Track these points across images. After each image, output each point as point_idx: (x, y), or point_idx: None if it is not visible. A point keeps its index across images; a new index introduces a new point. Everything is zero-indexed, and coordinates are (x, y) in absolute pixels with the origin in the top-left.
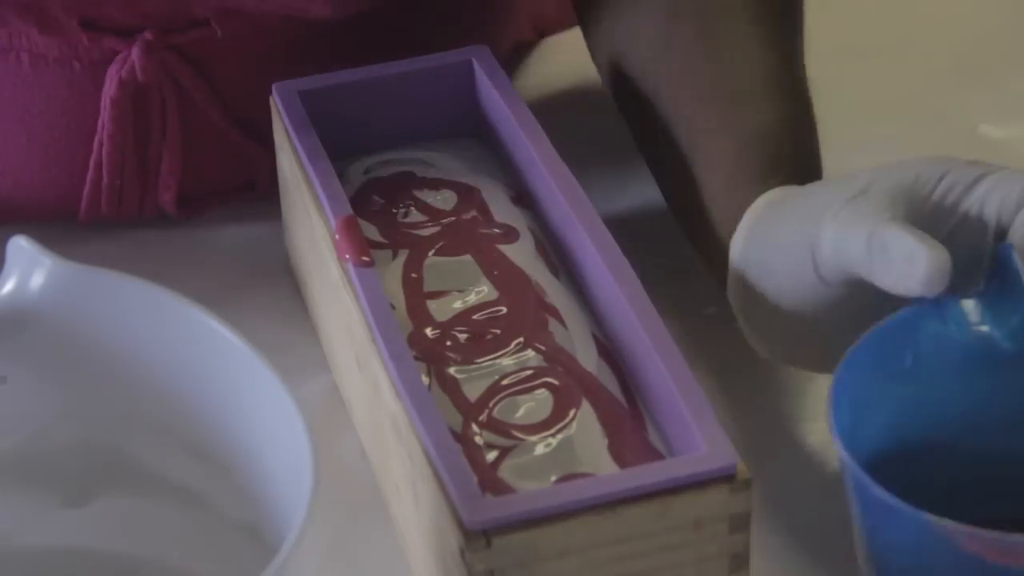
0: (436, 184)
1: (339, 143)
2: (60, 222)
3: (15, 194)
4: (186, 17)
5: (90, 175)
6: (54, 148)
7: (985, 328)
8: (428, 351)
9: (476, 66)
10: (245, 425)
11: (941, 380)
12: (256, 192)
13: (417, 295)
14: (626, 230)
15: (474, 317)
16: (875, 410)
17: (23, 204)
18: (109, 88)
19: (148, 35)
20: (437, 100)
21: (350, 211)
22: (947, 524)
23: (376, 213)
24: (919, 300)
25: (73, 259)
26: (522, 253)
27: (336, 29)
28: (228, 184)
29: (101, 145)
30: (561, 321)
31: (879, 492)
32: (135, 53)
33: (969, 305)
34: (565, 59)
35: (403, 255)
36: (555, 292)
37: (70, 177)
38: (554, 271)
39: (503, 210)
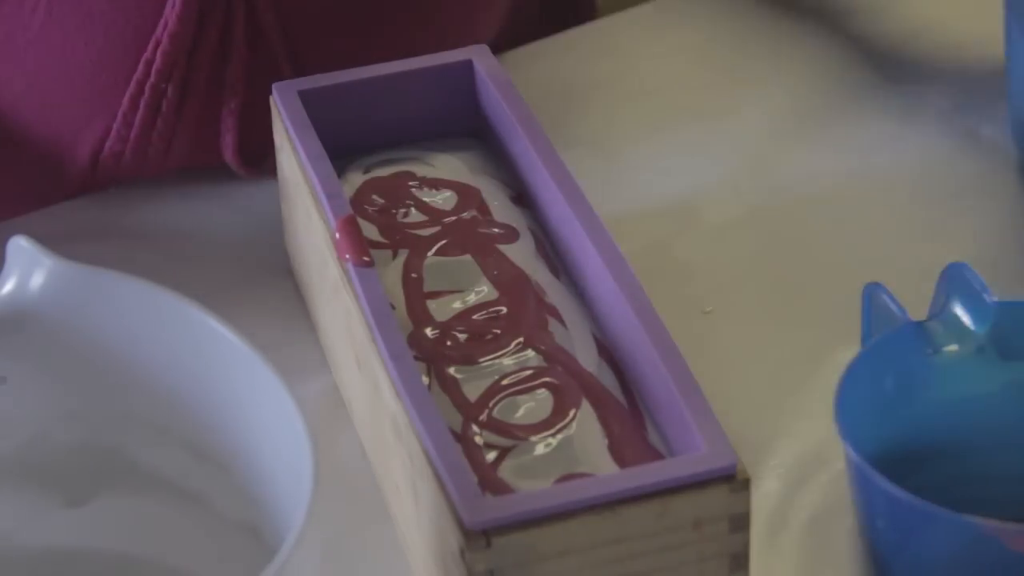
0: (436, 184)
1: (339, 143)
2: (60, 222)
3: (62, 100)
4: None
5: (137, 75)
6: (109, 50)
7: (955, 347)
8: (428, 351)
9: (476, 66)
10: (245, 425)
11: (923, 401)
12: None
13: (417, 295)
14: (626, 230)
15: (474, 317)
16: (866, 426)
17: (66, 109)
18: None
19: None
20: (437, 100)
21: (350, 211)
22: (995, 524)
23: (376, 213)
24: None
25: (73, 259)
26: (522, 253)
27: None
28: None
29: (159, 45)
30: (561, 321)
31: (915, 501)
32: None
33: (935, 326)
34: (565, 59)
35: (403, 255)
36: (555, 292)
37: (118, 84)
38: (554, 271)
39: (503, 210)
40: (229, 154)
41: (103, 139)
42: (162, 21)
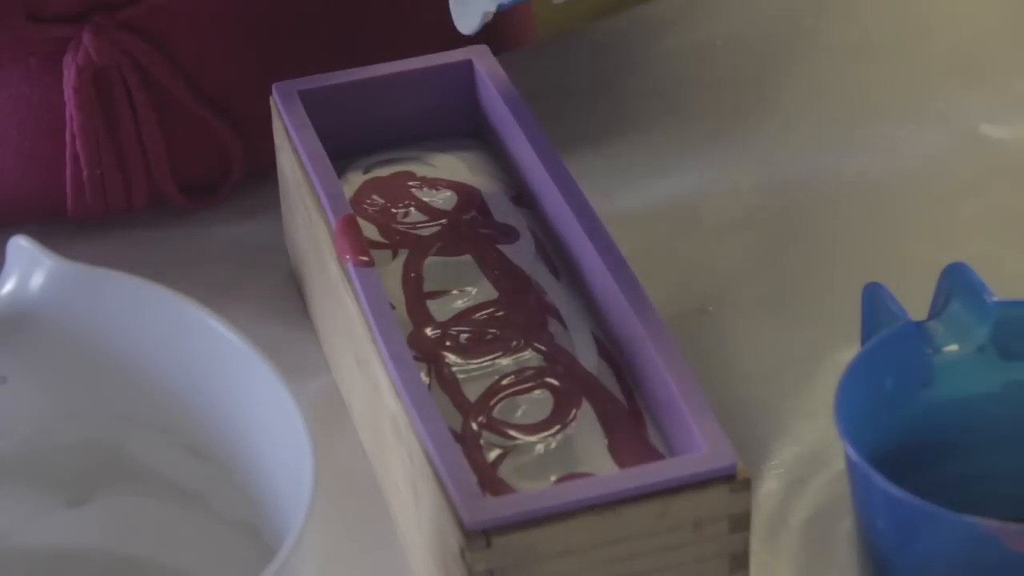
0: (436, 184)
1: (339, 143)
2: (60, 222)
3: (2, 199)
4: None
5: (69, 169)
6: (28, 148)
7: (955, 347)
8: (428, 351)
9: (476, 66)
10: (245, 425)
11: (923, 401)
12: (231, 180)
13: (417, 295)
14: (626, 230)
15: (474, 317)
16: (866, 426)
17: (12, 207)
18: (69, 77)
19: (96, 16)
20: (437, 100)
21: (350, 211)
22: (995, 524)
23: (376, 213)
24: (890, 327)
25: (73, 259)
26: (522, 253)
27: None
28: (213, 175)
29: (74, 137)
30: (561, 321)
31: (915, 501)
32: (86, 37)
33: (935, 326)
34: (565, 59)
35: (403, 255)
36: (555, 292)
37: (50, 174)
38: (554, 271)
39: (503, 210)
40: (176, 198)
41: (64, 212)
42: (67, 114)
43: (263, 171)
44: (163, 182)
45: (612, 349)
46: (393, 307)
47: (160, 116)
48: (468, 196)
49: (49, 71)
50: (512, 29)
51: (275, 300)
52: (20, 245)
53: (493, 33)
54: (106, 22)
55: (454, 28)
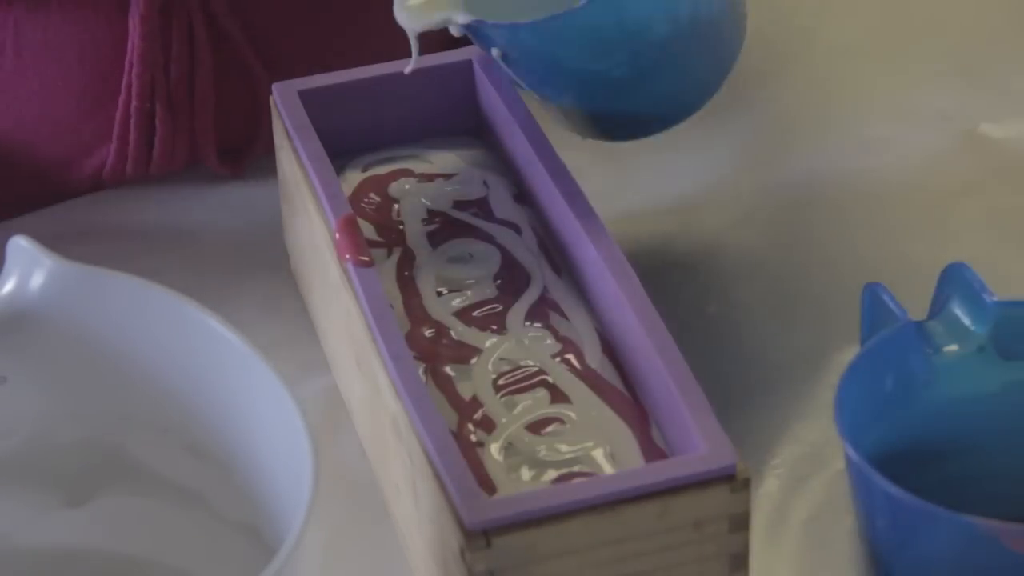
0: (435, 180)
1: (339, 143)
2: (59, 222)
3: (53, 136)
4: None
5: (122, 98)
6: (87, 78)
7: (955, 347)
8: (424, 349)
9: (476, 66)
10: (245, 425)
11: (923, 401)
12: (259, 150)
13: (413, 293)
14: (626, 230)
15: (473, 315)
16: (866, 426)
17: (57, 143)
18: (137, 6)
19: None
20: (437, 100)
21: (350, 211)
22: (995, 524)
23: (373, 211)
24: (890, 327)
25: (73, 259)
26: (524, 249)
27: None
28: (249, 133)
29: (131, 67)
30: (564, 316)
31: (915, 501)
32: None
33: (935, 326)
34: None
35: (398, 252)
36: (558, 288)
37: (104, 110)
38: (556, 268)
39: (504, 206)
40: (211, 159)
41: (102, 163)
42: (128, 44)
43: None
44: (203, 134)
45: (613, 348)
46: (391, 306)
47: (217, 70)
48: (468, 192)
49: (118, 4)
50: None
51: (275, 300)
52: (20, 245)
53: None
54: None
55: None
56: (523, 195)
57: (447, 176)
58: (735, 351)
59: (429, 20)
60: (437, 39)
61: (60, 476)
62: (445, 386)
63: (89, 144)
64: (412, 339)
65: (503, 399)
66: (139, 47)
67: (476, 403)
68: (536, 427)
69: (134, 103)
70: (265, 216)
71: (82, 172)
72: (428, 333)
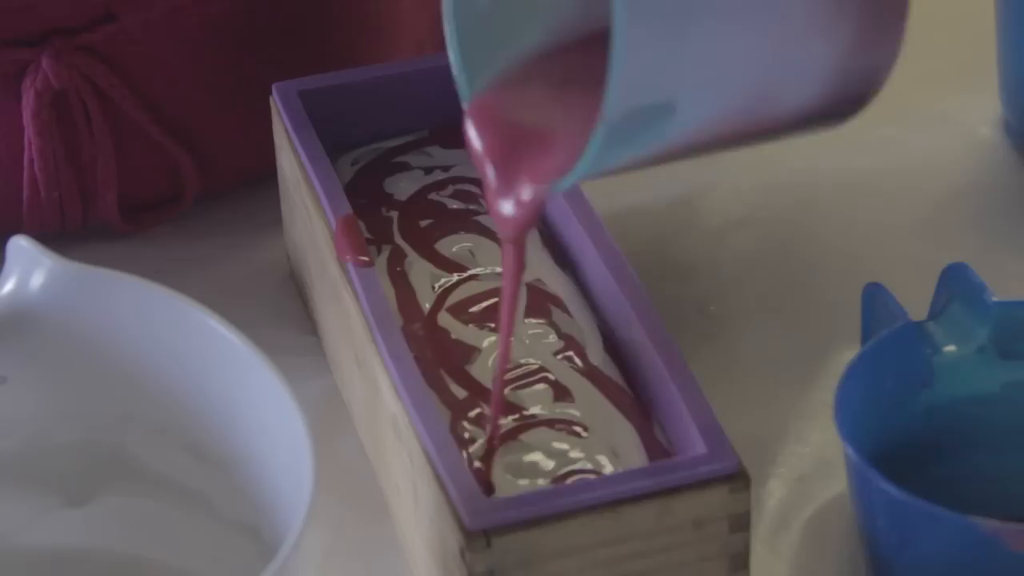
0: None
1: (339, 143)
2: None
3: None
4: (88, 13)
5: (26, 193)
6: None
7: (955, 347)
8: (418, 347)
9: None
10: (245, 425)
11: (923, 401)
12: (182, 206)
13: (407, 289)
14: (626, 230)
15: (470, 311)
16: (866, 426)
17: None
18: (28, 101)
19: (55, 40)
20: (437, 100)
21: (350, 211)
22: (995, 524)
23: (365, 206)
24: (890, 327)
25: (73, 259)
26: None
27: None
28: (166, 195)
29: (32, 161)
30: (566, 311)
31: (915, 501)
32: (45, 61)
33: (935, 326)
34: None
35: (388, 248)
36: (561, 283)
37: (8, 199)
38: (559, 264)
39: None
40: (117, 223)
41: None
42: (25, 139)
43: (218, 193)
44: (108, 208)
45: (613, 347)
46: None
47: (117, 141)
48: (466, 186)
49: (10, 96)
50: None
51: (275, 300)
52: (20, 245)
53: None
54: (65, 46)
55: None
56: None
57: (446, 168)
58: (735, 351)
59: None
60: (437, 40)
61: (60, 476)
62: (438, 385)
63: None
64: (406, 336)
65: (504, 397)
66: (36, 143)
67: (474, 401)
68: (537, 425)
69: (41, 194)
70: (265, 216)
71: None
72: (422, 330)
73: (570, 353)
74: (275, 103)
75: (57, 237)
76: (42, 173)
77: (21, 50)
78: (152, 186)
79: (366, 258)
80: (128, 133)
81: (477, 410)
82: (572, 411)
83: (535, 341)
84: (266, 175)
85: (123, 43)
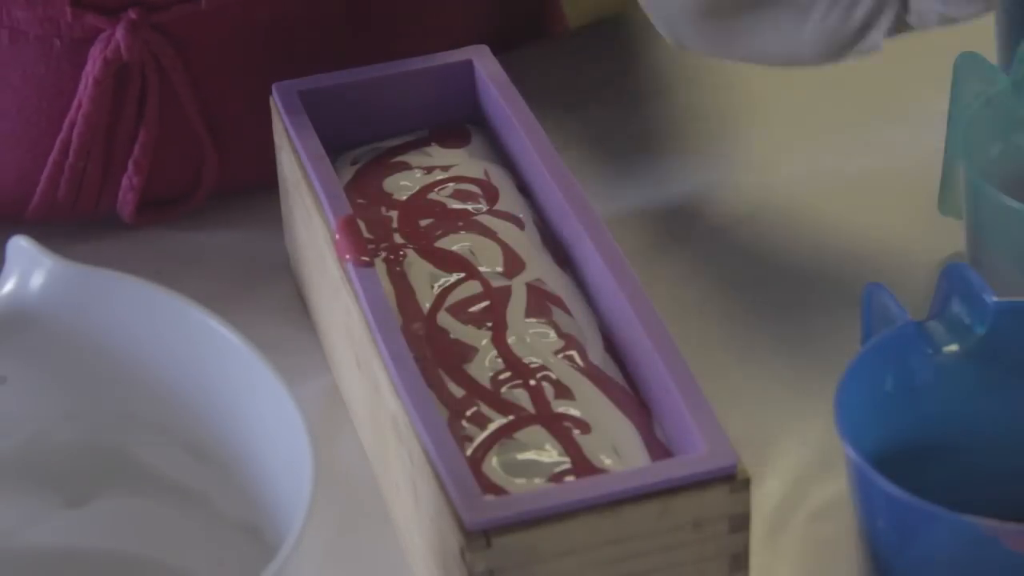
0: (434, 173)
1: (339, 143)
2: (60, 223)
3: None
4: None
5: (54, 156)
6: (23, 127)
7: (955, 347)
8: (417, 346)
9: (476, 66)
10: (245, 425)
11: (923, 401)
12: (194, 203)
13: (407, 288)
14: (626, 230)
15: (469, 310)
16: (866, 426)
17: None
18: (92, 68)
19: (132, 13)
20: (437, 100)
21: (350, 211)
22: (995, 524)
23: (365, 206)
24: (890, 327)
25: (73, 259)
26: (527, 242)
27: (328, 16)
28: (180, 191)
29: (73, 125)
30: (566, 310)
31: (915, 501)
32: (119, 32)
33: (935, 326)
34: (565, 59)
35: (387, 248)
36: (561, 283)
37: (33, 160)
38: (560, 263)
39: (507, 198)
40: (128, 212)
41: (25, 205)
42: (75, 102)
43: (234, 190)
44: (130, 194)
45: (613, 347)
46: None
47: (163, 128)
48: (466, 185)
49: (71, 58)
50: (541, 17)
51: (275, 300)
52: (20, 245)
53: (519, 21)
54: (141, 20)
55: (455, 28)
56: (523, 194)
57: (446, 168)
58: (735, 351)
59: None
60: (437, 40)
61: (60, 476)
62: (436, 384)
63: (12, 188)
64: (405, 335)
65: (502, 395)
66: (86, 109)
67: (472, 400)
68: (537, 424)
69: (69, 160)
70: (265, 216)
71: (8, 209)
72: (421, 329)
73: (571, 352)
74: (275, 103)
75: (57, 233)
76: (79, 139)
77: (99, 16)
78: (171, 180)
79: (366, 258)
80: (172, 120)
81: (474, 409)
82: (573, 410)
83: (536, 340)
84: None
85: (195, 25)
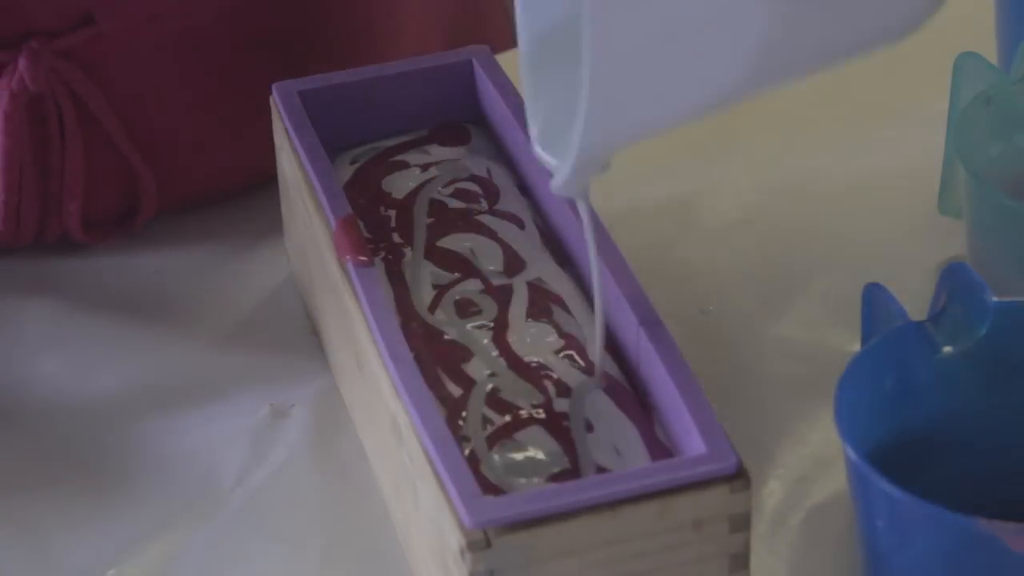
0: (432, 172)
1: (339, 143)
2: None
3: None
4: (68, 16)
5: None
6: None
7: (955, 346)
8: (416, 346)
9: (476, 66)
10: None
11: (923, 401)
12: (142, 219)
13: (405, 288)
14: (626, 230)
15: (470, 310)
16: (866, 426)
17: None
18: (1, 102)
19: (34, 43)
20: (437, 100)
21: (350, 211)
22: (995, 524)
23: (364, 205)
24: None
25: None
26: (527, 242)
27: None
28: (127, 208)
29: None
30: (567, 311)
31: (915, 501)
32: (22, 63)
33: (935, 326)
34: None
35: (387, 247)
36: (561, 282)
37: None
38: (560, 262)
39: (508, 197)
40: (77, 234)
41: None
42: None
43: (179, 207)
44: (70, 217)
45: (614, 346)
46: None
47: (88, 152)
48: (466, 184)
49: None
50: None
51: (275, 300)
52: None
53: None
54: (43, 49)
55: (454, 28)
56: (523, 193)
57: (445, 166)
58: (735, 351)
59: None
60: (437, 40)
61: None
62: (434, 383)
63: None
64: (404, 335)
65: (502, 395)
66: (4, 144)
67: (472, 400)
68: (537, 423)
69: (2, 198)
70: (265, 216)
71: None
72: (420, 329)
73: (571, 352)
74: (275, 103)
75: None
76: (5, 175)
77: None
78: (113, 199)
79: (366, 258)
80: (98, 143)
81: (474, 408)
82: (569, 407)
83: (536, 340)
84: (259, 179)
85: (102, 49)
